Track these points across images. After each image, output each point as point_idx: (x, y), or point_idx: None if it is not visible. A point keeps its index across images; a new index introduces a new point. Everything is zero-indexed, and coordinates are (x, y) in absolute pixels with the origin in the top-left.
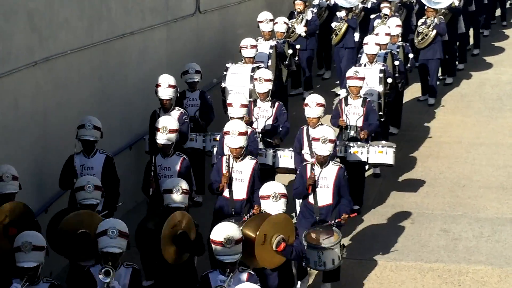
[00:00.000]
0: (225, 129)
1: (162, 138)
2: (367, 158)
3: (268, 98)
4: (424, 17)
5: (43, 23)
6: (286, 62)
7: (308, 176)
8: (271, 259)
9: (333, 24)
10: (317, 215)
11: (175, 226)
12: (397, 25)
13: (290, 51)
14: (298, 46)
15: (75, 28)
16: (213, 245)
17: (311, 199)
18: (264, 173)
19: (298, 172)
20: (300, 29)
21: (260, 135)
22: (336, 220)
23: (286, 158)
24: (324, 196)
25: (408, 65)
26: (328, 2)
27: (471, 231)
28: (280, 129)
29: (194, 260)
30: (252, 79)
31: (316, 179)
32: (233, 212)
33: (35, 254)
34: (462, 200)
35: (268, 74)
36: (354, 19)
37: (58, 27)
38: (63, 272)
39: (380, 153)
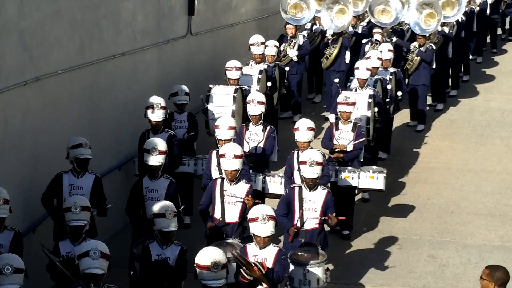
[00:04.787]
0: (220, 152)
1: (151, 159)
2: (358, 183)
3: (260, 122)
4: (414, 43)
5: (34, 43)
6: (270, 85)
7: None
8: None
9: (326, 51)
10: (302, 238)
11: None
12: (389, 50)
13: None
14: (287, 69)
15: (67, 48)
16: (198, 270)
17: (297, 221)
18: (254, 197)
19: (285, 193)
20: (293, 53)
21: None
22: (323, 218)
23: (275, 184)
24: (311, 219)
25: (400, 92)
26: (321, 27)
27: (458, 258)
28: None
29: (182, 285)
30: (234, 99)
31: (304, 202)
32: (224, 235)
33: (16, 277)
34: (450, 226)
35: (261, 96)
36: (347, 38)
37: (49, 46)
38: None
39: (371, 178)
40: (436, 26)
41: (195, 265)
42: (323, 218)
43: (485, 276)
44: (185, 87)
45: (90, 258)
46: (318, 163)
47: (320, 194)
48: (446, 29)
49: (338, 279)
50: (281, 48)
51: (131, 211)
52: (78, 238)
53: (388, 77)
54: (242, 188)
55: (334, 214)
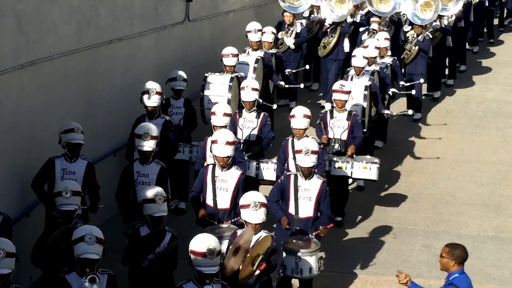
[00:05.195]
0: (212, 138)
1: (144, 144)
2: (351, 173)
3: (253, 108)
4: (410, 32)
5: (31, 26)
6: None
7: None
8: (245, 274)
9: (324, 40)
10: (297, 226)
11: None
12: (386, 38)
13: (283, 83)
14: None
15: (63, 32)
16: (193, 256)
17: (291, 209)
18: (248, 183)
19: (280, 180)
20: (290, 41)
21: (245, 145)
22: (314, 234)
23: (269, 170)
24: (306, 208)
25: (393, 90)
26: (319, 16)
27: None
28: (263, 139)
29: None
30: (230, 88)
31: (300, 190)
32: (216, 222)
33: (9, 261)
34: (445, 216)
35: (255, 83)
36: (347, 25)
37: (45, 30)
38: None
39: (364, 169)
40: (433, 15)
41: (189, 251)
42: (314, 234)
43: (445, 254)
44: (183, 73)
45: (85, 243)
46: (313, 152)
47: (316, 183)
48: (445, 22)
49: (332, 267)
50: (279, 36)
51: (120, 197)
52: (69, 223)
53: (384, 69)
54: (234, 174)
55: (323, 228)
